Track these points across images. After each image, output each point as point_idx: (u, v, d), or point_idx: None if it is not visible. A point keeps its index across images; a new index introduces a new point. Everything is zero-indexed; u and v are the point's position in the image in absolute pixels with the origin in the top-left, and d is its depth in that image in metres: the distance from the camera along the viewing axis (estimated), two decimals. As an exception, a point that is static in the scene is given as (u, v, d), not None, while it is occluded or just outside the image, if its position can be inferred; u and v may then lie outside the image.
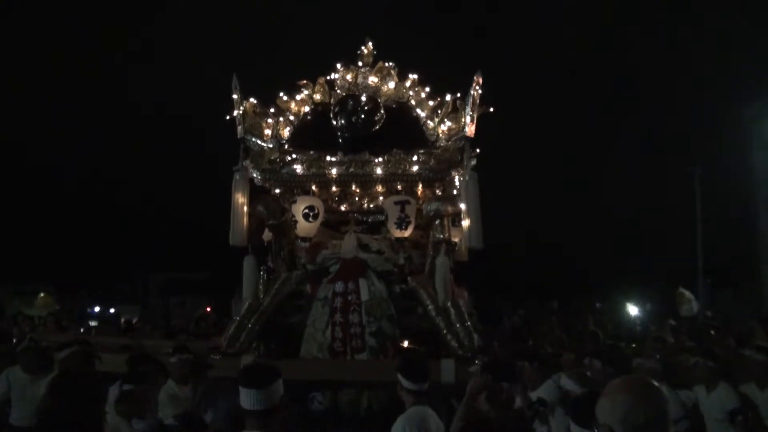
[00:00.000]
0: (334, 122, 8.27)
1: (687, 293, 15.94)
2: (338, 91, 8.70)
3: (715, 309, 22.27)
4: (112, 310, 27.60)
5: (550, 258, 27.63)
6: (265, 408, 3.67)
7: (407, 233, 8.08)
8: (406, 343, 7.86)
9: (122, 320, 19.77)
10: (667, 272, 23.31)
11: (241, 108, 8.09)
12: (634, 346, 11.33)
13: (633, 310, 24.63)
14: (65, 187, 28.69)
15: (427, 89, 8.62)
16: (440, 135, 8.28)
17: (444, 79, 8.82)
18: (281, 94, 8.62)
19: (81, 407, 3.49)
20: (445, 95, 8.41)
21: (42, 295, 20.81)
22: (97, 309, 27.78)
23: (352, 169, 8.21)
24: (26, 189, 28.22)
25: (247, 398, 3.68)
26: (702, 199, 23.49)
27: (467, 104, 7.91)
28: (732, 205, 24.22)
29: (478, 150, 8.26)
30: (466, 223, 7.62)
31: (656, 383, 2.62)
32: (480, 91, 7.92)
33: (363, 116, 8.18)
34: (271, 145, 8.27)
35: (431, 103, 8.51)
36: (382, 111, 8.32)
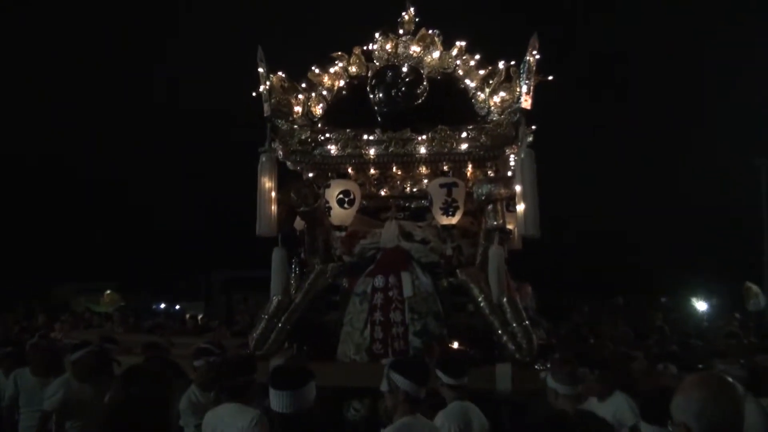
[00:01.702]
0: (372, 96, 7.16)
1: (754, 287, 15.37)
2: (376, 63, 7.58)
3: None
4: (177, 307, 27.29)
5: (612, 252, 26.15)
6: (297, 411, 3.45)
7: (455, 220, 6.98)
8: (455, 345, 6.81)
9: (187, 316, 19.31)
10: (733, 266, 21.77)
11: (268, 83, 7.02)
12: (701, 343, 10.50)
13: (700, 305, 23.40)
14: (127, 185, 28.36)
15: (477, 57, 7.44)
16: (492, 108, 7.09)
17: (495, 45, 7.61)
18: (313, 67, 7.55)
19: (151, 402, 3.38)
20: (497, 63, 7.21)
21: (108, 292, 20.75)
22: (162, 306, 27.49)
23: (392, 149, 7.07)
24: (91, 191, 28.02)
25: (278, 401, 3.47)
26: None
27: (523, 72, 6.69)
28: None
29: (533, 127, 7.03)
30: (521, 207, 6.45)
31: (731, 379, 2.53)
32: (537, 57, 6.68)
33: (404, 89, 7.04)
34: (301, 124, 7.23)
35: (481, 72, 7.31)
36: (426, 83, 7.17)
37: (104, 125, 28.39)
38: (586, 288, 23.80)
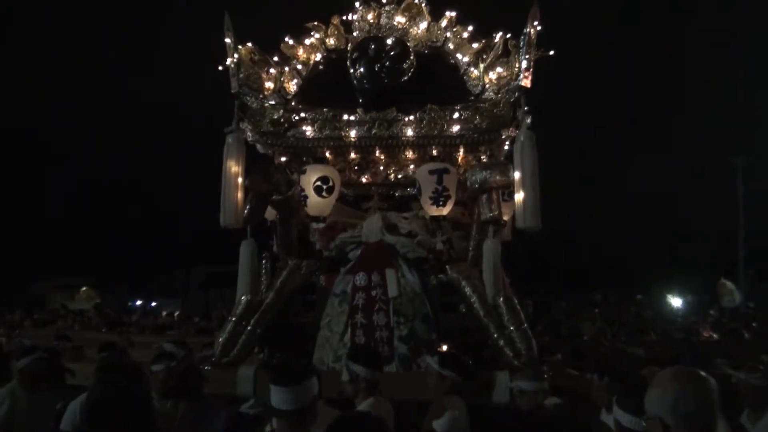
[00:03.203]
0: (352, 72, 6.22)
1: (729, 284, 15.42)
2: (356, 35, 6.74)
3: (757, 300, 20.68)
4: (153, 304, 26.37)
5: (588, 248, 25.71)
6: (296, 408, 3.29)
7: (446, 210, 6.13)
8: (444, 349, 5.83)
9: (164, 313, 18.58)
10: (709, 263, 21.48)
11: (236, 55, 6.06)
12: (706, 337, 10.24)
13: (675, 301, 23.13)
14: (105, 182, 27.48)
15: (470, 29, 6.56)
16: (487, 85, 6.18)
17: (490, 15, 6.81)
18: (286, 38, 6.63)
19: (129, 395, 3.07)
20: (492, 36, 6.32)
21: (84, 288, 20.19)
22: (138, 302, 26.56)
23: (375, 131, 6.18)
24: (66, 185, 27.28)
25: (278, 397, 3.33)
26: (745, 188, 22.29)
27: (522, 45, 5.79)
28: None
29: (526, 108, 6.05)
30: (519, 196, 5.59)
31: (703, 373, 2.48)
32: (539, 29, 5.76)
33: (388, 63, 6.08)
34: (273, 102, 6.27)
35: (475, 45, 6.43)
36: (412, 57, 6.23)
37: (83, 119, 27.52)
38: (563, 284, 23.41)
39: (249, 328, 6.07)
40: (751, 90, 23.07)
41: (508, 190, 6.00)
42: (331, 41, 6.73)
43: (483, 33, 6.48)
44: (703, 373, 2.49)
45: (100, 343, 7.39)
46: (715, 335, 10.54)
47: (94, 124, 26.95)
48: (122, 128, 27.25)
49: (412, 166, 6.44)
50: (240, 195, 5.85)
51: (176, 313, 18.46)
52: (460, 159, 6.38)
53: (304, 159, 6.39)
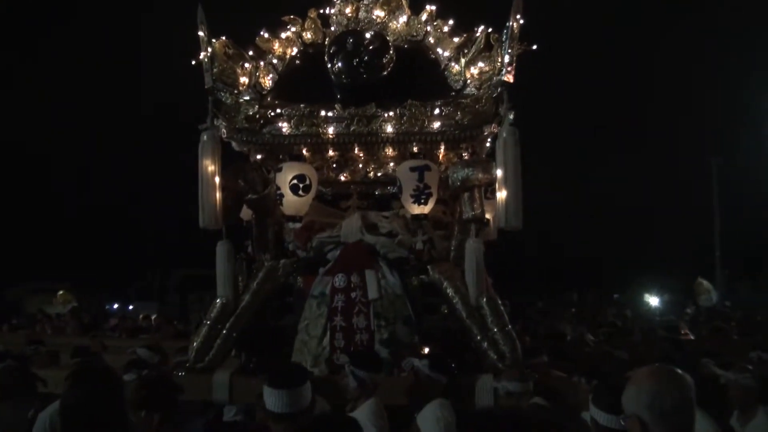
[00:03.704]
0: (330, 66, 5.99)
1: (705, 283, 15.51)
2: (334, 29, 6.49)
3: (733, 299, 20.75)
4: (130, 307, 25.93)
5: (565, 248, 25.58)
6: (294, 411, 3.25)
7: (428, 209, 5.87)
8: (426, 351, 5.67)
9: (140, 317, 18.24)
10: (685, 263, 21.51)
11: (209, 49, 5.75)
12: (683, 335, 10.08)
13: (652, 300, 23.18)
14: (82, 184, 27.06)
15: (450, 23, 6.34)
16: (469, 81, 5.95)
17: (471, 8, 6.54)
18: (262, 31, 6.36)
19: (104, 399, 2.99)
20: (474, 30, 6.08)
21: (61, 292, 19.82)
22: (116, 306, 26.10)
23: (354, 127, 5.91)
24: (44, 187, 26.73)
25: (274, 400, 3.28)
26: (721, 188, 22.50)
27: (505, 39, 5.56)
28: (751, 195, 22.24)
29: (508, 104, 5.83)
30: (502, 194, 5.40)
31: (680, 371, 2.47)
32: (522, 22, 5.53)
33: (367, 58, 5.86)
34: (248, 97, 5.97)
35: (456, 39, 6.19)
36: (392, 51, 6.01)
37: (58, 121, 27.07)
38: (539, 284, 23.34)
39: (224, 331, 5.79)
40: (730, 91, 23.19)
41: (491, 188, 5.78)
42: (308, 35, 6.45)
43: (464, 27, 6.24)
44: (679, 371, 2.49)
45: (72, 347, 7.16)
46: (690, 334, 10.50)
47: (71, 123, 26.59)
48: (109, 130, 26.88)
49: (392, 164, 6.17)
50: (218, 195, 5.59)
51: (153, 317, 18.16)
52: (441, 156, 6.14)
53: (280, 156, 6.10)
